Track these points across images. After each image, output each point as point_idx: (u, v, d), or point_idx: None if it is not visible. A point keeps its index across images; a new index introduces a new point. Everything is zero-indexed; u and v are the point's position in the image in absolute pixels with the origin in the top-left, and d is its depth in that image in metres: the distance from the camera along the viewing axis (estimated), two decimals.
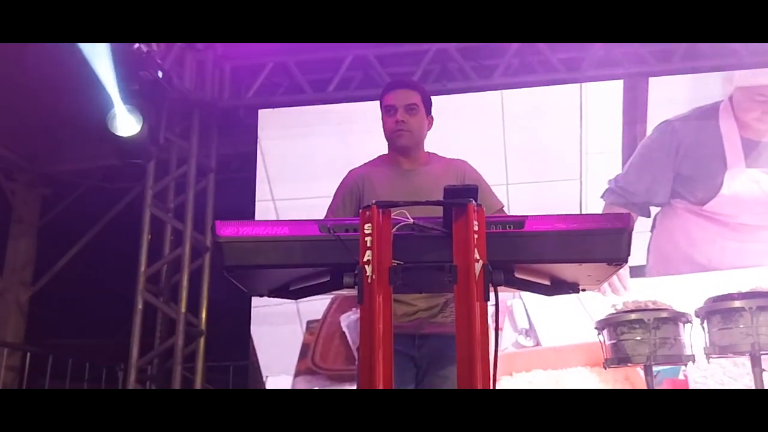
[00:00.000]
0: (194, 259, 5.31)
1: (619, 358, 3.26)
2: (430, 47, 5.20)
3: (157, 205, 5.35)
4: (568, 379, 4.26)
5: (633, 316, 3.20)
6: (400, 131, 2.52)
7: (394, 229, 1.80)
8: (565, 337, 4.33)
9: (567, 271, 1.95)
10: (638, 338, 3.18)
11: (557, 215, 1.87)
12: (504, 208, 2.63)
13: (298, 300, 2.13)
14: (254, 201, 5.49)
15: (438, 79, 5.24)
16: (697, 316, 3.16)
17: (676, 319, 3.19)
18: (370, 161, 2.68)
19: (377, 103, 2.66)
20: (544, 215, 1.93)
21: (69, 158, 6.44)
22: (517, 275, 1.93)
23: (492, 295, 1.72)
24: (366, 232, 1.75)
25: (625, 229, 1.80)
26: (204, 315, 5.27)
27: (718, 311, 2.98)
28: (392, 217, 1.79)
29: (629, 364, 3.28)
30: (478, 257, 1.72)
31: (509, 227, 1.83)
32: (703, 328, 3.10)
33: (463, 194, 1.76)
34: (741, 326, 2.86)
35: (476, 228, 1.73)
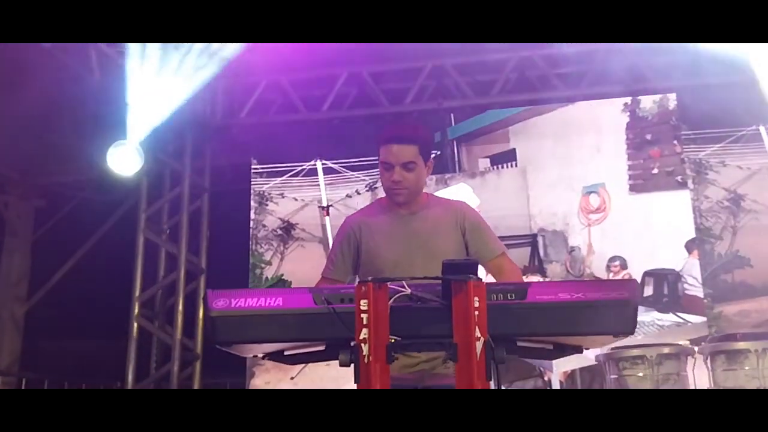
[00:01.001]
0: (189, 282, 5.24)
1: None
2: (426, 63, 5.12)
3: (151, 227, 5.28)
4: None
5: (635, 351, 3.14)
6: (397, 191, 2.45)
7: (392, 301, 1.73)
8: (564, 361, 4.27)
9: (570, 338, 1.89)
10: (641, 374, 3.13)
11: (561, 282, 1.82)
12: (505, 252, 2.54)
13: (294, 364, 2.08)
14: (249, 218, 5.44)
15: (434, 96, 5.16)
16: (701, 354, 3.10)
17: (679, 354, 3.14)
18: (367, 206, 2.61)
19: None
20: (547, 282, 1.87)
21: (61, 170, 6.34)
22: (519, 343, 1.87)
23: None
24: (362, 308, 1.68)
25: (630, 300, 1.73)
26: (200, 338, 5.21)
27: (723, 351, 2.93)
28: (390, 286, 1.73)
29: None
30: (479, 335, 1.65)
31: (511, 296, 1.76)
32: (707, 366, 3.05)
33: (463, 269, 1.69)
34: (746, 368, 2.80)
35: (477, 304, 1.66)
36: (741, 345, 2.85)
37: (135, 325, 5.07)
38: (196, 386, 5.13)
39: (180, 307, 5.09)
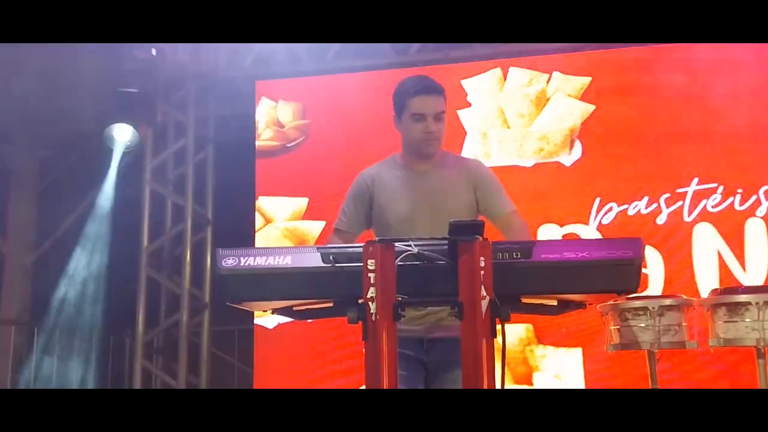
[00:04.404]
0: (196, 233, 5.29)
1: (623, 343, 3.27)
2: None
3: (157, 179, 5.30)
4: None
5: (638, 303, 3.19)
6: (430, 141, 2.46)
7: (398, 260, 1.76)
8: None
9: (575, 294, 1.92)
10: (642, 325, 3.18)
11: (566, 241, 1.84)
12: (516, 210, 2.55)
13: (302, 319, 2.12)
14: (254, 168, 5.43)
15: (439, 47, 5.06)
16: (703, 305, 3.15)
17: (680, 306, 3.18)
18: (382, 161, 2.62)
19: None
20: (552, 241, 1.89)
21: (66, 119, 6.30)
22: (524, 300, 1.90)
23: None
24: (369, 268, 1.72)
25: (634, 259, 1.76)
26: (208, 287, 5.28)
27: (724, 304, 2.96)
28: (396, 246, 1.76)
29: (633, 350, 3.29)
30: (484, 294, 1.69)
31: (517, 255, 1.79)
32: (708, 317, 3.10)
33: (469, 230, 1.71)
34: (747, 320, 2.85)
35: (482, 264, 1.69)
36: (742, 297, 2.89)
37: (143, 275, 5.14)
38: (205, 335, 5.23)
39: (188, 258, 5.16)
